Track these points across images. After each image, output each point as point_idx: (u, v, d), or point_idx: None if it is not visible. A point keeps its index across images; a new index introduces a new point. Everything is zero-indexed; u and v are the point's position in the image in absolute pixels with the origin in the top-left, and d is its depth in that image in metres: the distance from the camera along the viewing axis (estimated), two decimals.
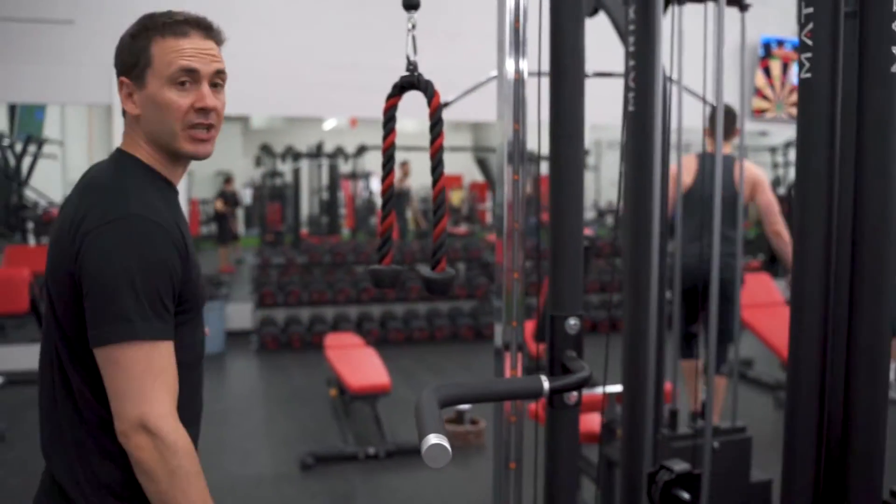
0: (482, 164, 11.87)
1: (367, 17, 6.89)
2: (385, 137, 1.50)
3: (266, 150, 10.61)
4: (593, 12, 2.85)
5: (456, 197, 13.31)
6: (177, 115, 1.25)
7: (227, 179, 11.50)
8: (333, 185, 10.29)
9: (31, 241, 8.02)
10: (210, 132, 1.29)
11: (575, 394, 1.58)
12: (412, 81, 1.45)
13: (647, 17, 1.93)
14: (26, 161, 8.01)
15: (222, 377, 5.84)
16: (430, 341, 6.65)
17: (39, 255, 6.50)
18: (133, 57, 1.26)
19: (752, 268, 7.76)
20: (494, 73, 4.15)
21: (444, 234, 1.45)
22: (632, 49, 1.97)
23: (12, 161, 7.94)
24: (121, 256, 1.14)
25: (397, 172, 10.00)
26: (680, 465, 1.77)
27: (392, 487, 3.65)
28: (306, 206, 11.60)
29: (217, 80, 1.30)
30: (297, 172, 10.26)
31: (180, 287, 1.21)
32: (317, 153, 10.16)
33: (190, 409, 1.30)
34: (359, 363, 4.19)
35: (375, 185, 12.99)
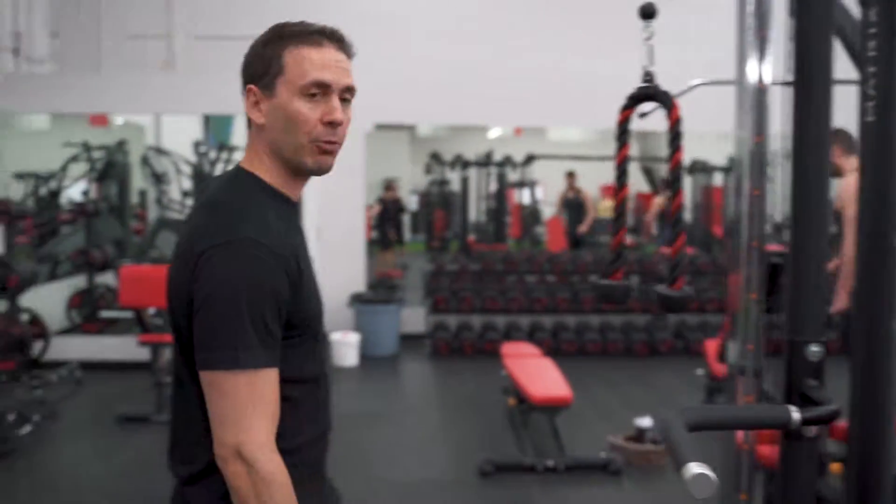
0: (649, 174, 11.52)
1: (531, 26, 6.90)
2: (619, 150, 1.47)
3: (436, 158, 10.85)
4: None
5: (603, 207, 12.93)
6: (304, 128, 1.21)
7: (388, 186, 11.86)
8: (501, 193, 10.35)
9: None
10: (334, 146, 1.24)
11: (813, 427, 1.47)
12: (649, 92, 1.41)
13: (892, 17, 1.77)
14: (218, 167, 8.62)
15: (397, 379, 6.01)
16: (602, 354, 6.51)
17: None
18: (264, 65, 1.23)
19: None
20: (696, 81, 3.97)
21: (683, 251, 1.39)
22: (872, 53, 1.82)
23: (207, 167, 8.57)
24: (228, 281, 1.12)
25: (563, 183, 9.84)
26: None
27: (572, 502, 3.59)
28: (473, 214, 11.73)
29: (346, 95, 1.25)
30: (465, 180, 10.41)
31: (290, 310, 1.18)
32: (486, 162, 10.26)
33: (314, 426, 1.30)
34: (538, 373, 4.16)
35: (540, 193, 12.96)
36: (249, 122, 1.27)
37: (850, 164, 4.03)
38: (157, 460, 3.95)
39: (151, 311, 5.46)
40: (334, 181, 6.68)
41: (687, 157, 9.60)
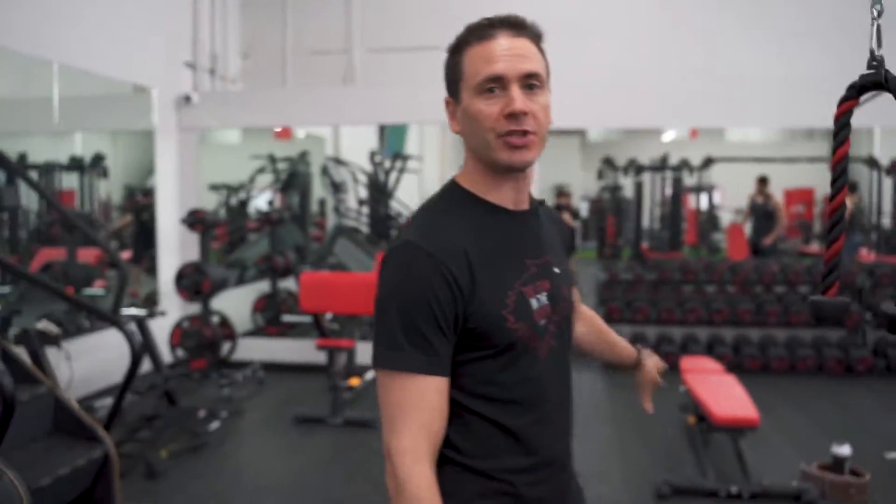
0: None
1: (705, 24, 6.54)
2: (836, 148, 1.28)
3: (608, 163, 10.57)
4: None
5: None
6: (487, 125, 1.16)
7: (561, 192, 11.68)
8: (677, 199, 9.91)
9: None
10: (527, 137, 1.16)
11: None
12: (877, 79, 1.22)
13: None
14: (392, 175, 8.86)
15: None
16: (790, 372, 6.02)
17: None
18: (451, 73, 1.22)
19: None
20: None
21: (839, 257, 1.20)
22: None
23: (381, 176, 8.84)
24: (385, 285, 1.16)
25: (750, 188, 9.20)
26: None
27: None
28: (647, 220, 11.33)
29: (531, 81, 1.17)
30: (639, 186, 10.06)
31: (461, 317, 1.14)
32: (661, 166, 9.87)
33: (517, 454, 1.20)
34: (721, 391, 3.88)
35: (718, 198, 12.29)
36: None
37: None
38: (331, 462, 4.11)
39: (329, 316, 5.67)
40: None
41: (887, 155, 8.71)
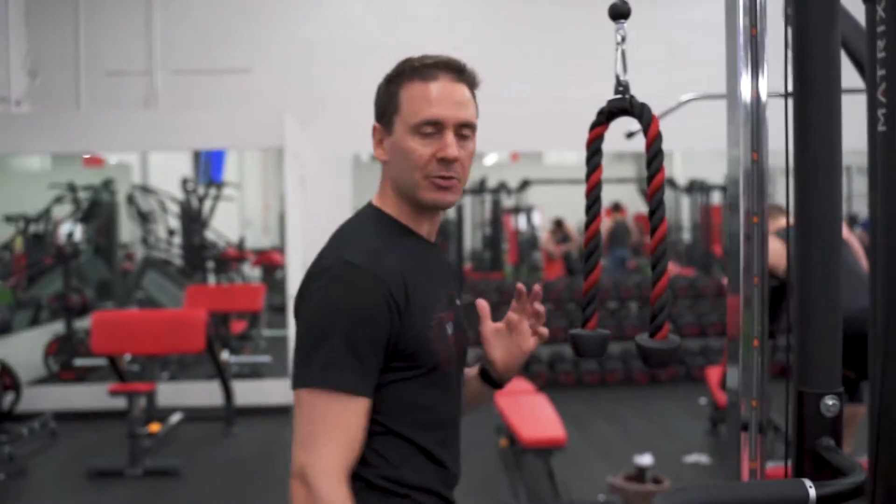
0: (646, 196, 11.31)
1: (523, 48, 6.77)
2: (589, 175, 1.25)
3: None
4: None
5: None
6: (418, 164, 1.20)
7: None
8: (497, 220, 10.16)
9: (211, 279, 8.42)
10: (452, 181, 1.22)
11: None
12: (623, 106, 1.20)
13: None
14: (207, 203, 8.44)
15: None
16: (601, 385, 6.26)
17: (218, 295, 6.78)
18: (385, 103, 1.25)
19: None
20: (688, 96, 3.75)
21: (666, 295, 1.17)
22: (882, 55, 1.61)
23: (195, 204, 8.39)
24: (318, 303, 1.15)
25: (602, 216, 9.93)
26: None
27: None
28: (469, 242, 11.53)
29: (464, 131, 1.23)
30: (460, 208, 10.22)
31: (394, 339, 1.16)
32: (480, 189, 10.08)
33: (419, 475, 1.23)
34: (531, 412, 3.91)
35: (538, 219, 12.75)
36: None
37: (777, 223, 4.06)
38: None
39: (128, 357, 5.24)
40: (320, 211, 6.53)
41: (685, 175, 9.47)
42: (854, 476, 1.09)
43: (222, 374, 5.15)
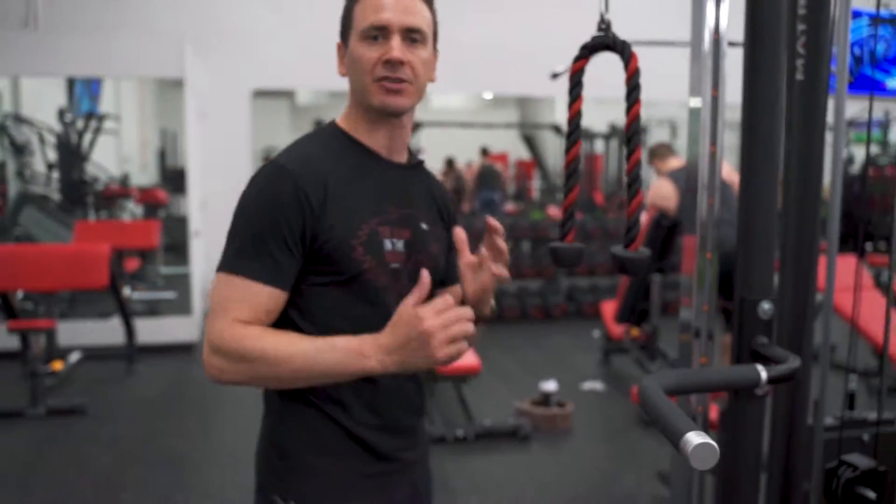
0: (529, 142, 11.67)
1: None
2: (571, 104, 1.38)
3: (319, 126, 10.55)
4: None
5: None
6: (367, 68, 1.23)
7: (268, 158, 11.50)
8: None
9: (92, 216, 8.08)
10: (401, 84, 1.23)
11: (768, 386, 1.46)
12: (605, 42, 1.33)
13: None
14: (87, 137, 8.03)
15: None
16: (498, 321, 6.55)
17: (111, 231, 6.53)
18: (344, 20, 1.28)
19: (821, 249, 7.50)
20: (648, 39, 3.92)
21: (639, 211, 1.33)
22: (802, 12, 1.82)
23: (74, 137, 7.96)
24: (243, 198, 1.21)
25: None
26: (864, 462, 1.65)
27: (485, 471, 3.56)
28: None
29: (413, 35, 1.24)
30: None
31: (309, 236, 1.18)
32: None
33: (345, 391, 1.21)
34: None
35: (425, 160, 12.88)
36: None
37: (667, 165, 4.40)
38: (36, 460, 3.66)
39: (20, 295, 5.02)
40: (218, 149, 6.38)
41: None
42: (791, 363, 1.30)
43: (125, 312, 5.03)
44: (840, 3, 1.79)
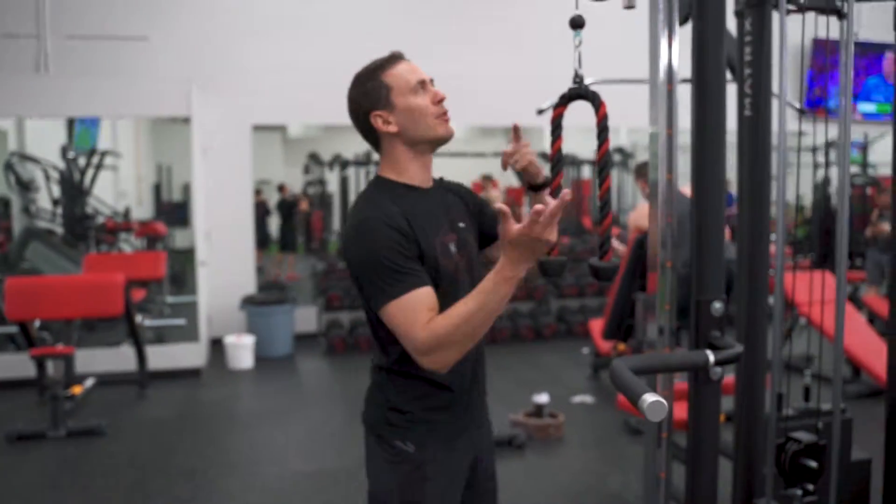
0: (518, 171, 12.00)
1: (405, 26, 7.08)
2: (552, 143, 1.69)
3: (314, 158, 10.88)
4: (684, 21, 3.02)
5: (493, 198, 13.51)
6: (428, 111, 1.62)
7: (282, 187, 11.80)
8: None
9: (93, 249, 8.33)
10: (448, 116, 1.65)
11: (719, 370, 1.76)
12: (579, 93, 1.64)
13: (762, 26, 2.11)
14: (89, 172, 8.31)
15: (296, 378, 6.06)
16: (491, 343, 6.82)
17: (119, 263, 6.79)
18: (376, 92, 1.63)
19: (802, 266, 7.83)
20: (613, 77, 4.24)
21: (610, 228, 1.64)
22: (748, 58, 2.15)
23: (76, 173, 8.24)
24: (362, 249, 1.53)
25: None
26: (807, 437, 1.94)
27: None
28: None
29: (431, 83, 1.69)
30: (344, 180, 10.49)
31: (416, 251, 1.55)
32: (365, 161, 10.39)
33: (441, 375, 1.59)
34: None
35: None
36: (378, 143, 1.66)
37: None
38: (58, 477, 3.89)
39: (36, 324, 5.26)
40: (221, 182, 6.68)
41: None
42: (735, 349, 1.61)
43: (137, 339, 5.29)
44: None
